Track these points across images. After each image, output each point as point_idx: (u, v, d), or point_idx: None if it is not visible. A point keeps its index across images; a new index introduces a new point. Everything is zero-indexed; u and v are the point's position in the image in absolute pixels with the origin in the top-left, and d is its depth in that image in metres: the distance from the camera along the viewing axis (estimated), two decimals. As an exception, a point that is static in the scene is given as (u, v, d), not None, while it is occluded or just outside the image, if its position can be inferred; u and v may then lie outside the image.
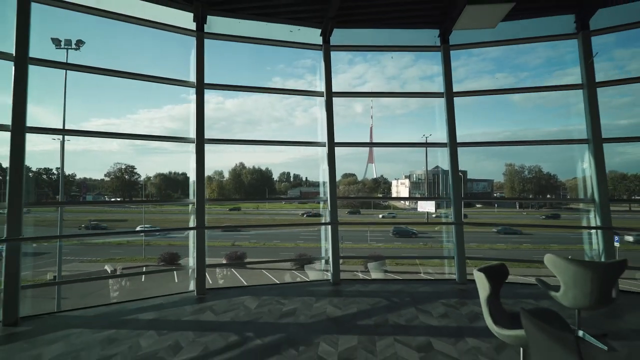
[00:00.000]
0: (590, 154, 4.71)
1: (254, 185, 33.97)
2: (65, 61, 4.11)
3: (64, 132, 4.47)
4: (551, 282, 3.21)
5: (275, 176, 38.65)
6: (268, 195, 35.59)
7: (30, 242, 3.90)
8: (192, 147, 4.63)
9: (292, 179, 40.74)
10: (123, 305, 3.94)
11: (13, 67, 3.66)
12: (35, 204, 4.43)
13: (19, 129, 3.60)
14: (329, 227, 4.90)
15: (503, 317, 2.43)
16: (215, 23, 4.90)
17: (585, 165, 4.86)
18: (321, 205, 5.25)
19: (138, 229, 19.05)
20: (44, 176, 30.75)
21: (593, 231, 4.77)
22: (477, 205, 37.80)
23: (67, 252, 20.56)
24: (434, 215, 19.80)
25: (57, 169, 31.84)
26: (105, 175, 31.26)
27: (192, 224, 4.52)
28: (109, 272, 16.08)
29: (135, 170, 32.13)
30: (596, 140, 4.64)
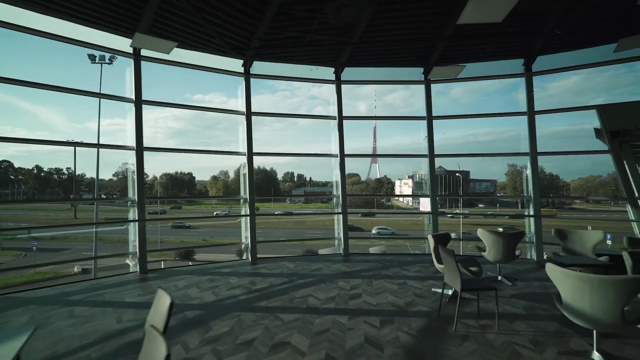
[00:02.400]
0: (529, 163, 6.86)
1: (259, 185, 36.21)
2: (163, 101, 6.27)
3: (169, 150, 6.66)
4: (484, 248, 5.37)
5: (280, 176, 40.88)
6: (273, 194, 37.88)
7: (148, 223, 6.08)
8: (243, 159, 6.82)
9: (295, 179, 42.91)
10: (202, 266, 6.14)
11: (134, 107, 5.84)
12: (153, 197, 6.61)
13: (139, 148, 5.79)
14: (340, 215, 7.08)
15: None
16: (256, 66, 7.07)
17: (528, 172, 7.01)
18: (334, 200, 7.43)
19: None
20: (55, 176, 33.15)
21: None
22: (480, 205, 39.89)
23: (85, 248, 22.84)
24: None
25: (67, 169, 34.31)
26: (114, 175, 33.56)
27: (243, 212, 6.71)
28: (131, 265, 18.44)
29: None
30: (533, 153, 6.79)
